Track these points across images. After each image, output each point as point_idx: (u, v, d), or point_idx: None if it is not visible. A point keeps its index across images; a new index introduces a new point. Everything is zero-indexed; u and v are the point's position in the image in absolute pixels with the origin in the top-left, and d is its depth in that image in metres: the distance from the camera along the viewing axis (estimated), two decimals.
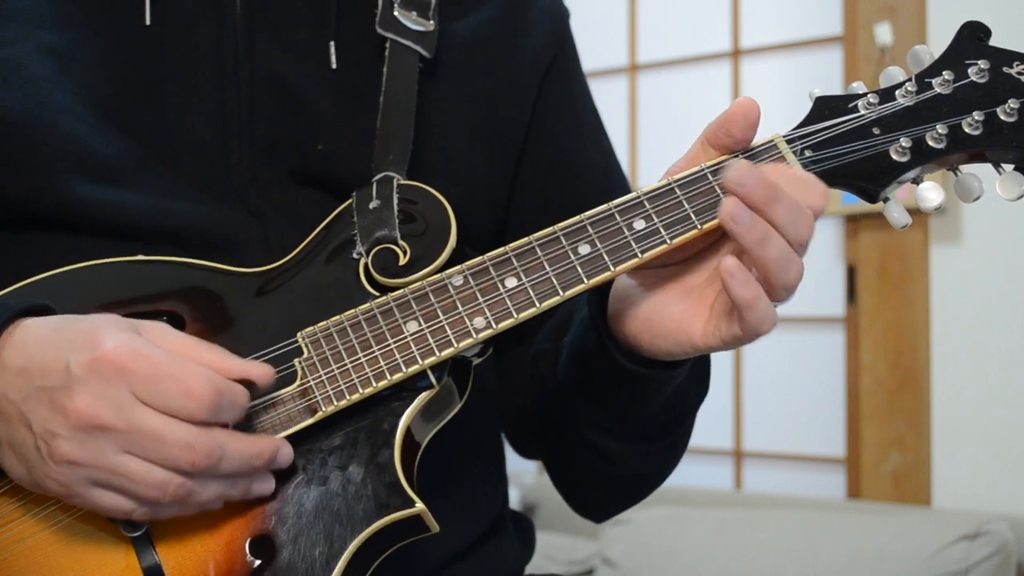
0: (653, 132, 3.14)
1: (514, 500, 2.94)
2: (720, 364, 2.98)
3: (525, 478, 3.11)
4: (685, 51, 3.10)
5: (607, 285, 0.94)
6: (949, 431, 2.62)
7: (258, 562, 0.87)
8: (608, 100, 3.15)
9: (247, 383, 0.85)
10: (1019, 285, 2.55)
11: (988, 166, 0.89)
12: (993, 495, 2.54)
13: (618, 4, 3.21)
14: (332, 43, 1.06)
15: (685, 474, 2.98)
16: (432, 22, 1.08)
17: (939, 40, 2.60)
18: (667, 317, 0.89)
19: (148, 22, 1.03)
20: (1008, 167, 0.88)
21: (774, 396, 2.94)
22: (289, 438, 0.88)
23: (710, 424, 2.97)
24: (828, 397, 2.83)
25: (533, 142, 1.16)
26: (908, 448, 2.65)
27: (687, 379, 1.01)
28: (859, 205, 2.64)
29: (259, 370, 0.85)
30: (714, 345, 0.87)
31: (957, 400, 2.61)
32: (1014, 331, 2.54)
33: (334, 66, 1.05)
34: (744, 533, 2.53)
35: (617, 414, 1.02)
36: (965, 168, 0.90)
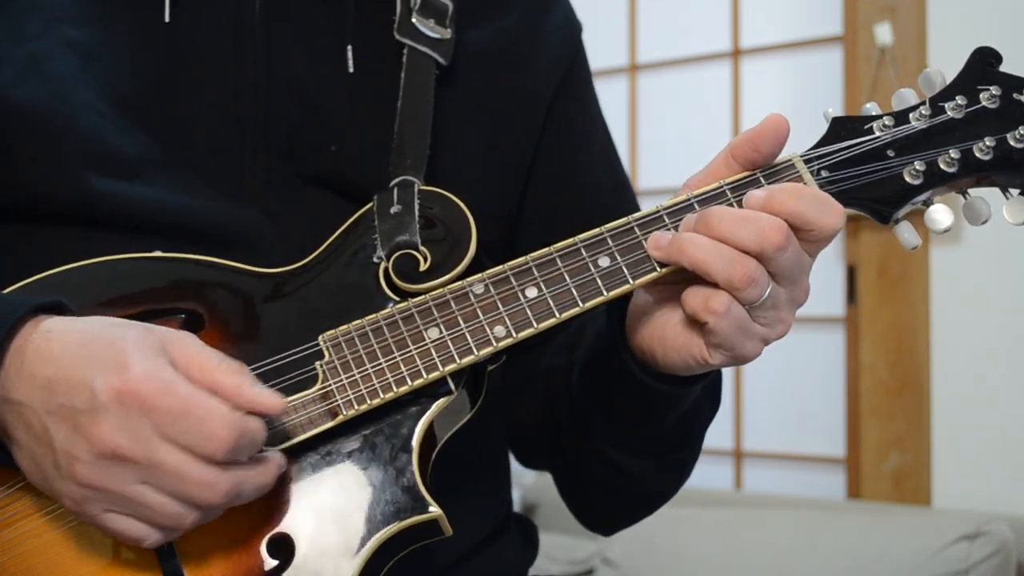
0: (653, 132, 3.13)
1: (515, 500, 2.94)
2: None
3: (525, 478, 3.11)
4: (685, 51, 3.10)
5: (625, 301, 0.95)
6: (949, 431, 2.63)
7: (275, 563, 0.87)
8: (608, 100, 3.11)
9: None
10: (1019, 285, 2.55)
11: (995, 190, 0.90)
12: (993, 495, 2.55)
13: (618, 4, 3.21)
14: (350, 47, 1.06)
15: None
16: (449, 30, 1.09)
17: (939, 40, 2.60)
18: (679, 331, 0.90)
19: (167, 19, 1.03)
20: (1015, 192, 0.89)
21: (774, 396, 2.94)
22: (308, 440, 0.89)
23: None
24: (828, 397, 2.84)
25: (542, 157, 1.16)
26: (908, 448, 2.66)
27: (701, 395, 1.02)
28: None
29: (273, 403, 0.84)
30: (719, 360, 0.88)
31: (957, 400, 2.62)
32: (1014, 331, 2.55)
33: (351, 70, 1.06)
34: (744, 533, 2.54)
35: (633, 429, 1.03)
36: (973, 192, 0.90)
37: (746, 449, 3.00)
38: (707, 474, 3.01)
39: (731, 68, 3.01)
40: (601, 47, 3.15)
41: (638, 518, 1.16)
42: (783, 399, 2.93)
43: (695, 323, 0.88)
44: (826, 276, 2.82)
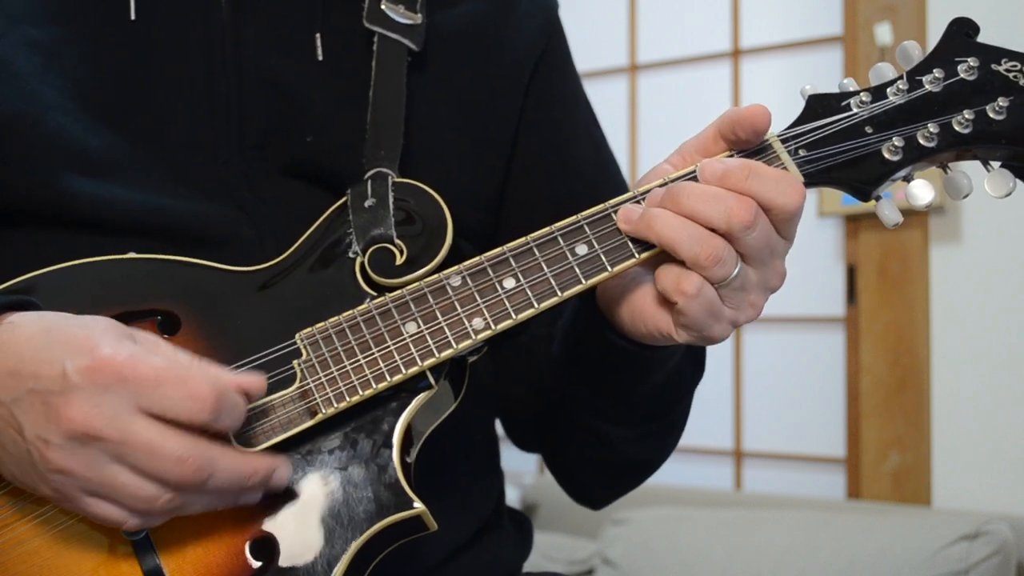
0: (653, 132, 3.13)
1: (514, 500, 2.94)
2: (720, 364, 2.98)
3: (525, 478, 3.10)
4: (685, 51, 3.10)
5: None
6: (949, 431, 2.62)
7: (259, 564, 0.87)
8: (608, 100, 3.15)
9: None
10: (1019, 285, 2.54)
11: (977, 163, 0.90)
12: (993, 495, 2.54)
13: (618, 4, 3.21)
14: (318, 35, 1.06)
15: (685, 474, 2.99)
16: (420, 15, 1.08)
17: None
18: (649, 301, 0.90)
19: (133, 17, 1.03)
20: (996, 164, 0.89)
21: (774, 396, 2.94)
22: (288, 440, 0.88)
23: (710, 424, 2.97)
24: (828, 397, 2.83)
25: (524, 135, 1.16)
26: (908, 448, 2.65)
27: (681, 362, 1.01)
28: (859, 205, 2.64)
29: (252, 381, 0.84)
30: (684, 339, 0.88)
31: (957, 400, 2.61)
32: (1014, 331, 2.54)
33: (320, 58, 1.05)
34: (744, 533, 2.53)
35: (610, 396, 1.03)
36: (954, 165, 0.90)
37: (746, 449, 2.99)
38: (707, 474, 3.00)
39: (731, 68, 3.02)
40: (601, 47, 3.15)
41: (626, 489, 1.16)
42: (783, 399, 2.92)
43: (666, 300, 0.88)
44: (826, 276, 2.81)
